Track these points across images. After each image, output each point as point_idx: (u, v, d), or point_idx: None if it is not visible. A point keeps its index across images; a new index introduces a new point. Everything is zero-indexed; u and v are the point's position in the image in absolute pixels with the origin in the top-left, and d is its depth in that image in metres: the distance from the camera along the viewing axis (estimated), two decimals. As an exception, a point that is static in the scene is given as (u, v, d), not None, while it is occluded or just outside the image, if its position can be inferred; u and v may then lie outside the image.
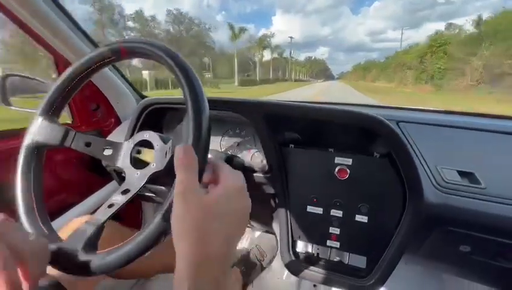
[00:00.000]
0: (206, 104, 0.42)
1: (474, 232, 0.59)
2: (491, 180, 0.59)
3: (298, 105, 0.65)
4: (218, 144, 0.89)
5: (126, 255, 0.36)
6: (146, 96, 1.09)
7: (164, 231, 0.36)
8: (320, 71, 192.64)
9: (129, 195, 0.46)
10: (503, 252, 0.61)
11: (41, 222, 0.45)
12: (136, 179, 0.48)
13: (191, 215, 0.29)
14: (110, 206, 0.44)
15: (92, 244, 0.40)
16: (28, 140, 0.49)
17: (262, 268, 1.21)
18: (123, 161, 0.51)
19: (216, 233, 0.30)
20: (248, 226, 1.20)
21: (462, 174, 0.62)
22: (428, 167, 0.64)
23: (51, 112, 0.51)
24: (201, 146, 0.39)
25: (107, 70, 0.92)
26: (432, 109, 0.91)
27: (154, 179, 0.46)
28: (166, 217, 0.36)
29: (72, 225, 0.60)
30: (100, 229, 0.42)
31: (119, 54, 0.49)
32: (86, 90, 0.96)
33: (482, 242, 0.60)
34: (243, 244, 1.24)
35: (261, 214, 0.86)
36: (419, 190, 0.58)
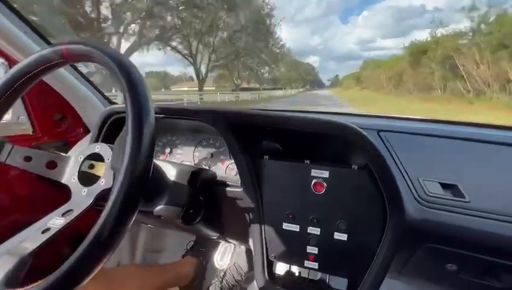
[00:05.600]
0: (151, 121, 0.37)
1: (460, 250, 0.54)
2: (476, 193, 0.55)
3: (264, 113, 0.61)
4: (191, 155, 0.84)
5: None
6: (115, 103, 1.03)
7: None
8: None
9: (70, 217, 0.40)
10: (492, 271, 0.57)
11: None
12: (82, 197, 0.43)
13: None
14: (45, 231, 0.38)
15: (11, 281, 0.33)
16: None
17: (245, 288, 1.14)
18: (69, 177, 0.46)
19: None
20: (228, 241, 1.13)
21: (444, 186, 0.58)
22: (410, 179, 0.60)
23: None
24: (137, 171, 0.34)
25: (71, 77, 0.86)
26: (414, 117, 0.89)
27: (104, 197, 0.41)
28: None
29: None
30: (25, 260, 0.35)
31: (62, 56, 0.44)
32: (47, 98, 0.89)
33: (469, 260, 0.56)
34: (222, 262, 1.16)
35: (237, 230, 0.80)
36: (399, 204, 0.53)
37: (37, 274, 0.34)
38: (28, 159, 0.47)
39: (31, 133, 0.90)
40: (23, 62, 0.45)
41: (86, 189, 0.43)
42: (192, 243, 1.22)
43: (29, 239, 0.37)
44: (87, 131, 1.02)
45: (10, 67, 0.77)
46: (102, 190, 0.41)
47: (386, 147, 0.67)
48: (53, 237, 0.38)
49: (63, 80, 0.84)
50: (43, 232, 0.38)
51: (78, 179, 0.45)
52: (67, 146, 0.97)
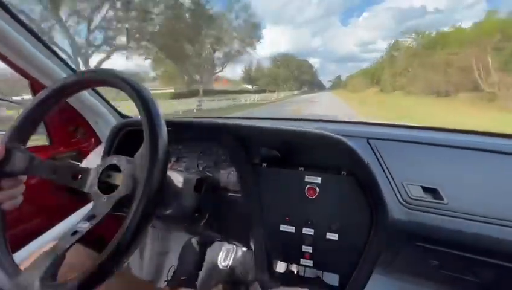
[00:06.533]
0: (164, 135, 0.44)
1: (440, 247, 0.60)
2: (454, 196, 0.61)
3: (247, 125, 0.67)
4: (195, 163, 0.90)
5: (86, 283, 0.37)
6: (126, 116, 1.10)
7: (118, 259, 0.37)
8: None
9: (94, 221, 0.46)
10: (470, 266, 0.62)
11: (1, 254, 0.45)
12: (103, 204, 0.48)
13: None
14: (74, 233, 0.44)
15: (50, 276, 0.40)
16: None
17: (247, 287, 1.19)
18: (90, 186, 0.51)
19: None
20: (230, 242, 1.19)
21: (426, 190, 0.63)
22: (395, 183, 0.66)
23: (18, 140, 0.51)
24: (155, 180, 0.40)
25: (84, 92, 0.93)
26: (403, 124, 0.94)
27: (123, 203, 0.46)
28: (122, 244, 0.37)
29: (37, 254, 0.59)
30: (60, 258, 0.42)
31: (84, 83, 0.51)
32: (63, 112, 0.96)
33: (448, 257, 0.61)
34: (225, 262, 1.22)
35: (238, 232, 0.86)
36: (382, 207, 0.59)
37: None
38: (54, 171, 0.52)
39: (48, 144, 0.98)
40: (51, 87, 0.52)
41: (105, 197, 0.48)
42: (173, 268, 1.17)
43: (61, 240, 0.43)
44: (98, 141, 1.09)
45: (32, 86, 0.85)
46: (120, 197, 0.46)
47: (375, 154, 0.73)
48: (81, 238, 0.44)
49: (77, 94, 0.91)
50: (72, 234, 0.44)
51: (98, 187, 0.50)
52: (80, 155, 1.04)
